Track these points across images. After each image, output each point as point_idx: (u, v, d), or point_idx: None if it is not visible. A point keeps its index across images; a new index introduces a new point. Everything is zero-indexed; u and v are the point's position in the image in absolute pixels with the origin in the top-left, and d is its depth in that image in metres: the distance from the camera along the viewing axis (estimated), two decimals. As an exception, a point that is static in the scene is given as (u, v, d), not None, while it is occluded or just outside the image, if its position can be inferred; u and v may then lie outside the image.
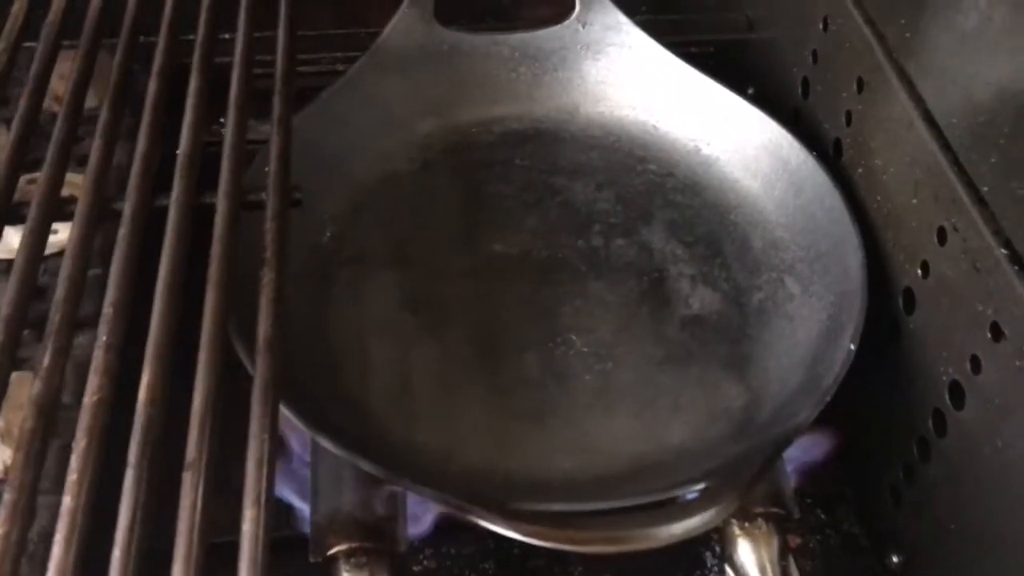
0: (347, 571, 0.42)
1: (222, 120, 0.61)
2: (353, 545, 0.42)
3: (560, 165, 0.58)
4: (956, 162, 0.44)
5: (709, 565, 0.52)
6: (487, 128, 0.59)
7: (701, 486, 0.39)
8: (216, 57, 0.51)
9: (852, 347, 0.45)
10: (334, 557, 0.43)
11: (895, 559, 0.51)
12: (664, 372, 0.49)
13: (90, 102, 0.49)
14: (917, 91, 0.47)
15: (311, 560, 0.43)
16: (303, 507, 0.46)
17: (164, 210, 0.43)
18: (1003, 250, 0.40)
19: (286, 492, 0.48)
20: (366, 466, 0.40)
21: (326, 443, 0.41)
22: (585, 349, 0.49)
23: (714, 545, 0.52)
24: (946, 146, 0.44)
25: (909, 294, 0.47)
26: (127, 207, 0.43)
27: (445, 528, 0.51)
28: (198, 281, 0.41)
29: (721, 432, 0.46)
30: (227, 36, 0.51)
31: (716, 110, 0.57)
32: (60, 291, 0.39)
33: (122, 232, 0.42)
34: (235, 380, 0.39)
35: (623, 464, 0.45)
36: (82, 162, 0.47)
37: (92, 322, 0.44)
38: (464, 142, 0.59)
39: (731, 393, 0.48)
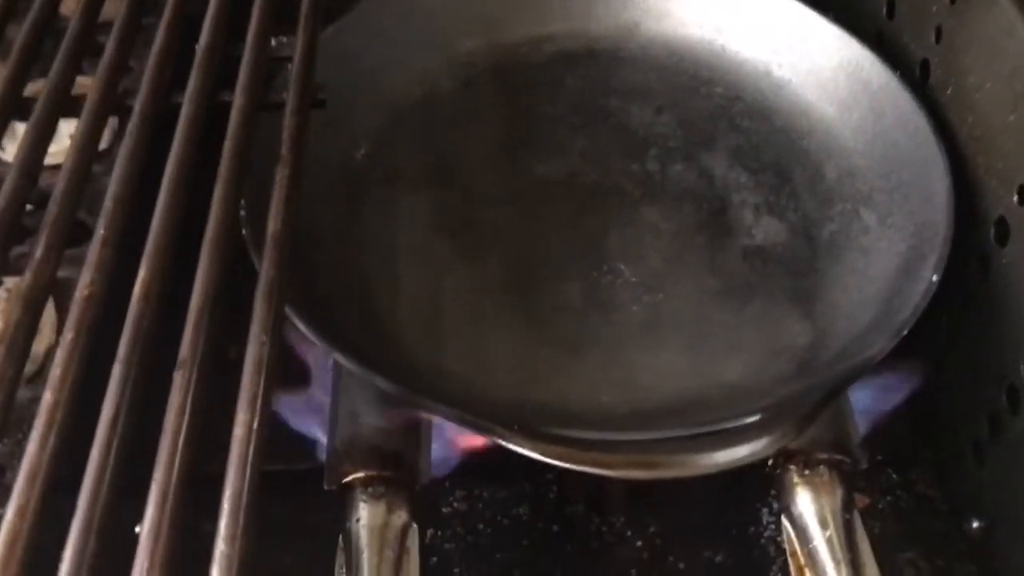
0: (364, 500, 0.39)
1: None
2: (370, 473, 0.39)
3: (615, 86, 0.53)
4: (1066, 69, 0.38)
5: (764, 522, 0.47)
6: (537, 47, 0.55)
7: (754, 418, 0.34)
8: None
9: (934, 278, 0.40)
10: (350, 485, 0.39)
11: (975, 524, 0.46)
12: (720, 306, 0.44)
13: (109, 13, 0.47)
14: (1021, -5, 0.41)
15: (326, 487, 0.40)
16: (324, 438, 0.43)
17: (179, 109, 0.40)
18: (1119, 167, 0.35)
19: (308, 424, 0.45)
20: (383, 383, 0.36)
21: (343, 360, 0.37)
22: (634, 279, 0.45)
23: (771, 500, 0.48)
24: (1054, 52, 0.39)
25: (1002, 224, 0.42)
26: (139, 101, 0.40)
27: (476, 469, 0.48)
28: (209, 183, 0.38)
29: (781, 370, 0.41)
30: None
31: (790, 28, 0.52)
32: (60, 185, 0.37)
33: (130, 126, 0.38)
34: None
35: (668, 399, 0.40)
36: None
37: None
38: (511, 62, 0.54)
39: (795, 330, 0.43)
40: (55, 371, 0.30)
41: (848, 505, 0.39)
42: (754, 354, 0.42)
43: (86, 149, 0.38)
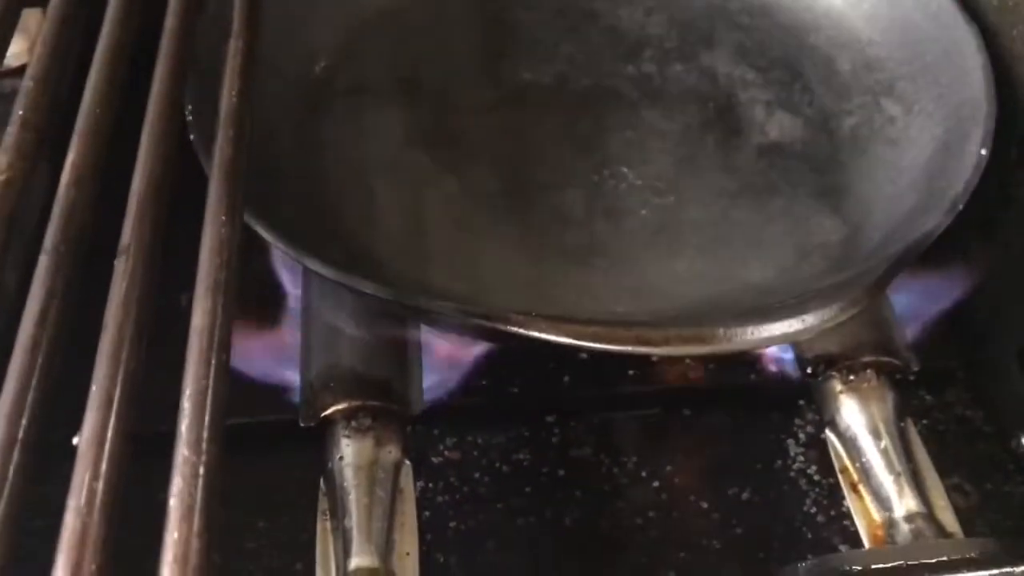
0: (347, 436, 0.33)
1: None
2: (354, 403, 0.33)
3: (600, -12, 0.48)
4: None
5: (792, 454, 0.42)
6: (510, -47, 0.50)
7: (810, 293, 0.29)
8: None
9: (983, 152, 0.35)
10: (330, 420, 0.33)
11: (1023, 440, 0.41)
12: (739, 206, 0.39)
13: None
14: None
15: (302, 423, 0.34)
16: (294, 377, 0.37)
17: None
18: None
19: (275, 370, 0.39)
20: (368, 287, 0.31)
21: (317, 266, 0.31)
22: (639, 182, 0.40)
23: (796, 431, 0.43)
24: None
25: (1049, 97, 0.38)
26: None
27: (467, 413, 0.42)
28: (149, 67, 0.32)
29: (816, 268, 0.37)
30: None
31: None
32: None
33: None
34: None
35: (691, 305, 0.35)
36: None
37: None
38: (483, -31, 0.49)
39: (824, 226, 0.38)
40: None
41: (901, 412, 0.35)
42: (782, 253, 0.37)
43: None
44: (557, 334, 0.27)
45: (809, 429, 0.44)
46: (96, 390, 0.22)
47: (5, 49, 0.31)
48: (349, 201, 0.39)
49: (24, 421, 0.22)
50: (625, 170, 0.40)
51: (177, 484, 0.21)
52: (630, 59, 0.45)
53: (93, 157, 0.27)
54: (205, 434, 0.21)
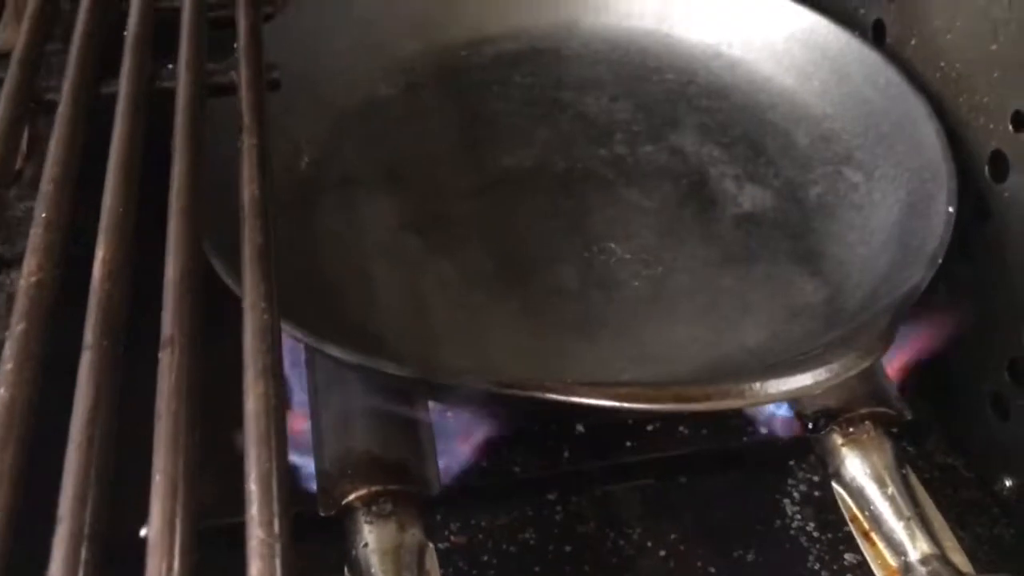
0: (369, 523, 0.33)
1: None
2: (373, 489, 0.33)
3: (565, 81, 0.51)
4: (1048, -15, 0.38)
5: (789, 513, 0.43)
6: (478, 50, 0.52)
7: (819, 347, 0.31)
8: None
9: (951, 209, 0.38)
10: (350, 507, 0.33)
11: (1006, 483, 0.43)
12: (724, 273, 0.41)
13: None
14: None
15: (321, 513, 0.34)
16: (306, 463, 0.37)
17: (112, 98, 0.35)
18: None
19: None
20: (400, 371, 0.31)
21: (336, 352, 0.32)
22: (627, 256, 0.41)
23: (791, 491, 0.44)
24: (1031, -28, 0.38)
25: (998, 158, 0.40)
26: (64, 93, 0.34)
27: (468, 496, 0.42)
28: (160, 175, 0.33)
29: (806, 328, 0.38)
30: None
31: (735, 7, 0.51)
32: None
33: (60, 111, 0.33)
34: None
35: (693, 369, 0.37)
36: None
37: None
38: (453, 66, 0.51)
39: (807, 288, 0.40)
40: (6, 367, 0.24)
41: (900, 460, 0.36)
42: (772, 316, 0.39)
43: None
44: (598, 398, 0.28)
45: (802, 488, 0.45)
46: (160, 479, 0.22)
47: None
48: (349, 290, 0.40)
49: (88, 516, 0.21)
50: (612, 245, 0.42)
51: (256, 567, 0.20)
52: (602, 142, 0.47)
53: (122, 248, 0.28)
54: (276, 515, 0.21)
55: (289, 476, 0.23)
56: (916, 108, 0.43)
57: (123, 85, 0.34)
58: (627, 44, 0.52)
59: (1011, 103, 0.40)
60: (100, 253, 0.28)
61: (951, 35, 0.43)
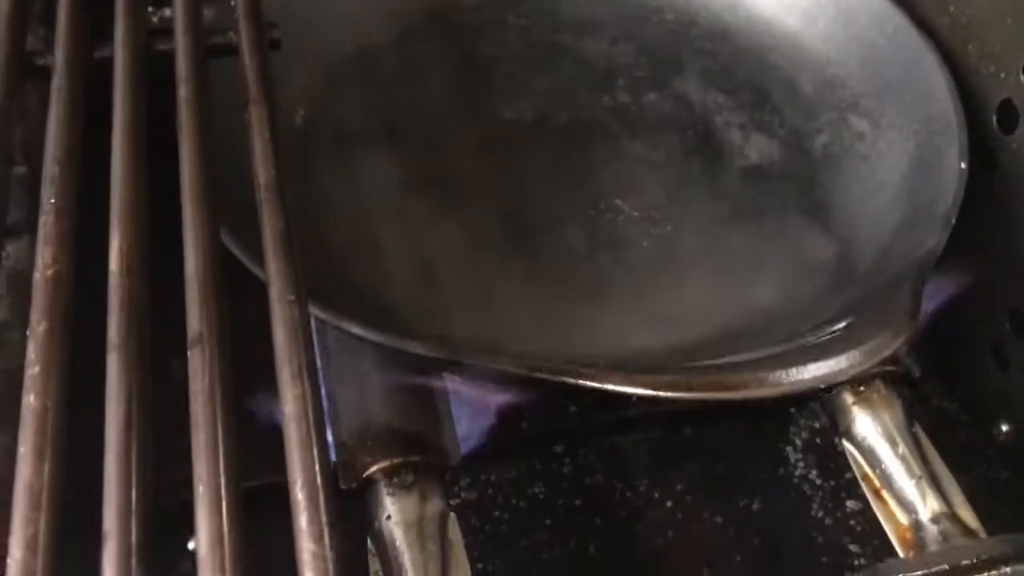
0: (391, 495, 0.33)
1: None
2: (395, 461, 0.33)
3: (562, 22, 0.49)
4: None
5: (792, 461, 0.44)
6: (470, -12, 0.50)
7: (840, 324, 0.31)
8: None
9: (963, 166, 0.37)
10: (372, 479, 0.33)
11: (1003, 428, 0.44)
12: (734, 229, 0.41)
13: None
14: None
15: (342, 487, 0.34)
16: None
17: (108, 62, 0.34)
18: None
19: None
20: (419, 349, 0.31)
21: (360, 331, 0.31)
22: (635, 214, 0.41)
23: (793, 438, 0.45)
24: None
25: (1007, 108, 0.40)
26: (58, 61, 0.33)
27: (476, 452, 0.43)
28: (164, 143, 0.32)
29: (818, 287, 0.38)
30: None
31: (735, -58, 0.50)
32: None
33: (56, 83, 0.32)
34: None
35: (705, 331, 0.37)
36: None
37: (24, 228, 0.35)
38: (446, 6, 0.50)
39: (817, 244, 0.40)
40: (33, 370, 0.24)
41: (910, 418, 0.37)
42: (784, 273, 0.39)
43: None
44: (633, 385, 0.28)
45: (804, 435, 0.46)
46: (204, 492, 0.22)
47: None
48: (358, 257, 0.39)
49: (134, 527, 0.21)
50: (619, 202, 0.41)
51: (309, 578, 0.20)
52: (605, 89, 0.46)
53: (137, 239, 0.27)
54: (325, 526, 0.21)
55: (331, 481, 0.23)
56: (925, 56, 0.42)
57: (118, 50, 0.33)
58: (626, -19, 0.51)
59: (1020, 57, 0.39)
60: (116, 243, 0.27)
61: (961, -20, 0.42)
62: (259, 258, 0.27)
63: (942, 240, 0.35)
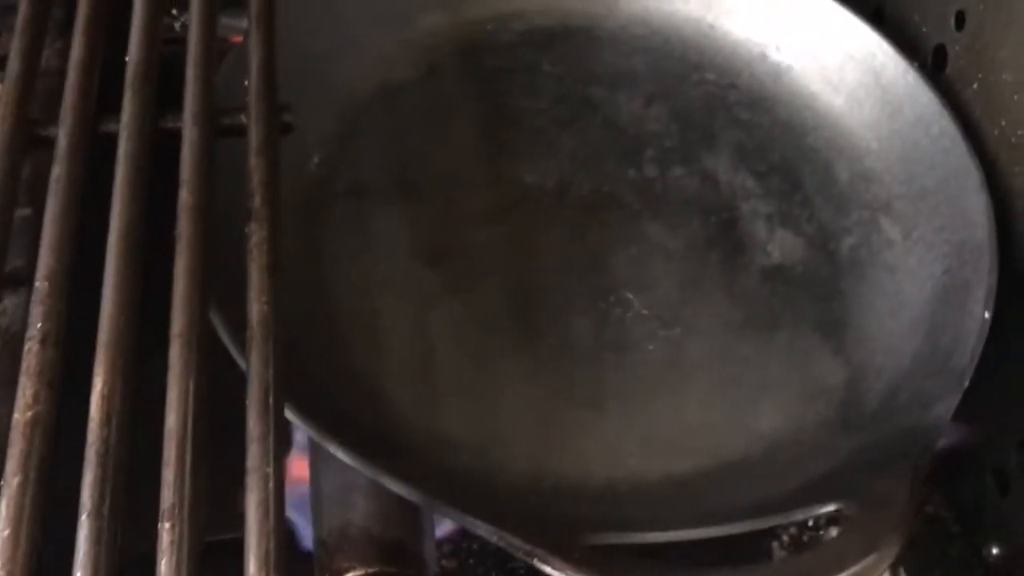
0: (364, 601, 0.33)
1: (175, 13, 0.50)
2: (370, 570, 0.33)
3: (597, 73, 0.47)
4: None
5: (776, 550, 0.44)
6: (505, 25, 0.48)
7: (830, 507, 0.30)
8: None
9: (987, 315, 0.36)
10: (348, 584, 0.34)
11: (994, 551, 0.43)
12: (744, 339, 0.39)
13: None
14: (1074, -11, 0.37)
15: (319, 586, 0.34)
16: (302, 522, 0.37)
17: (112, 138, 0.33)
18: None
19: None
20: (392, 485, 0.31)
21: (339, 452, 0.31)
22: (645, 311, 0.40)
23: (781, 534, 0.45)
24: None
25: (1046, 244, 0.39)
26: (62, 135, 0.32)
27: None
28: (162, 231, 0.31)
29: (822, 417, 0.37)
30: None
31: (787, 6, 0.47)
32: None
33: (56, 172, 0.31)
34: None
35: (702, 460, 0.36)
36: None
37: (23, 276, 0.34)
38: (478, 42, 0.47)
39: (828, 366, 0.39)
40: (3, 534, 0.24)
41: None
42: (788, 396, 0.38)
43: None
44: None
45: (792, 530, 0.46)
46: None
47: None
48: (356, 326, 0.38)
49: None
50: (631, 296, 0.40)
51: None
52: (631, 160, 0.44)
53: (123, 379, 0.26)
54: None
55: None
56: (968, 172, 0.40)
57: (124, 129, 0.32)
58: (668, 31, 0.48)
59: (1071, 195, 0.37)
60: (99, 386, 0.26)
61: (1018, 97, 0.40)
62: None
63: (952, 406, 0.34)
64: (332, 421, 0.33)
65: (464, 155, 0.44)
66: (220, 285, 0.30)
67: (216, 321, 0.31)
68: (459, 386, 0.37)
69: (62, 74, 0.33)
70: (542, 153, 0.44)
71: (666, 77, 0.47)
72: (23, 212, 0.35)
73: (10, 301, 0.35)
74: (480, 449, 0.35)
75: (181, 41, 0.35)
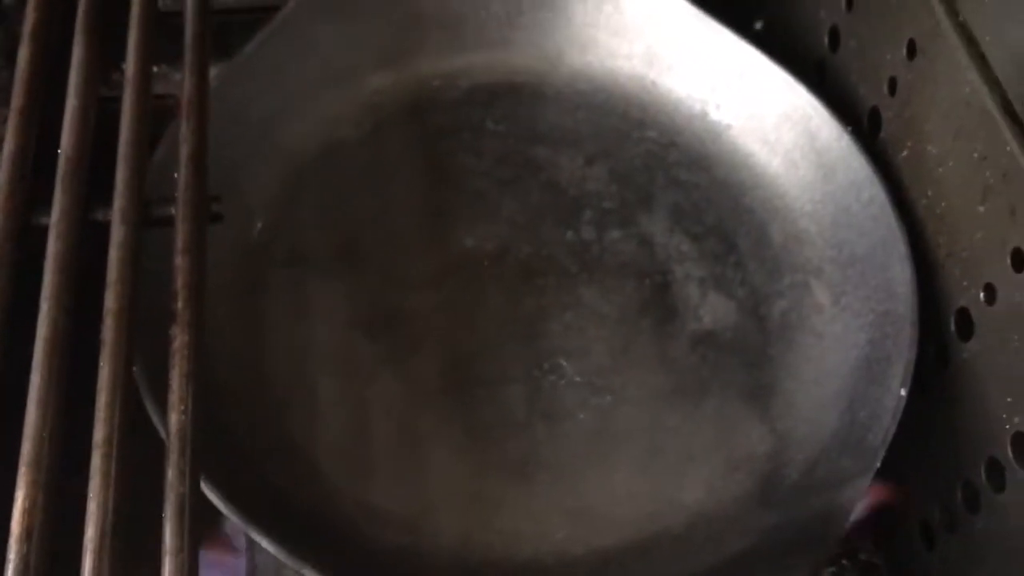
0: None
1: (123, 66, 0.51)
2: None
3: (541, 131, 0.48)
4: (1047, 174, 0.35)
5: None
6: (451, 81, 0.49)
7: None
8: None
9: (903, 392, 0.37)
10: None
11: (924, 602, 0.45)
12: (673, 408, 0.41)
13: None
14: (993, 72, 0.38)
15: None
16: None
17: (42, 231, 0.33)
18: (1109, 300, 0.33)
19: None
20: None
21: (267, 544, 0.32)
22: (578, 379, 0.41)
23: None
24: (1033, 150, 0.36)
25: (965, 317, 0.39)
26: (-7, 226, 0.33)
27: None
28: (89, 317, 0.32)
29: (743, 489, 0.39)
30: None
31: (727, 65, 0.48)
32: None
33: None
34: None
35: (627, 533, 0.37)
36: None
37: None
38: (423, 99, 0.48)
39: (752, 436, 0.40)
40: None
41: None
42: (712, 467, 0.39)
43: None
44: None
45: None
46: None
47: None
48: (292, 398, 0.39)
49: None
50: (564, 363, 0.41)
51: None
52: (570, 223, 0.45)
53: (46, 494, 0.27)
54: None
55: None
56: (893, 240, 0.41)
57: (54, 230, 0.33)
58: (611, 87, 0.49)
59: (984, 272, 0.38)
60: (20, 500, 0.27)
61: (943, 170, 0.41)
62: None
63: (862, 488, 0.35)
64: (263, 496, 0.34)
65: (405, 218, 0.45)
66: (149, 365, 0.31)
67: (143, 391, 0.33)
68: (392, 458, 0.38)
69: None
70: (483, 216, 0.45)
71: (608, 135, 0.48)
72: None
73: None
74: (409, 521, 0.37)
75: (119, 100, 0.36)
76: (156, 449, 0.29)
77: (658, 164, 0.47)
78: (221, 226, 0.41)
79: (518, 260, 0.44)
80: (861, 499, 0.35)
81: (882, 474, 0.44)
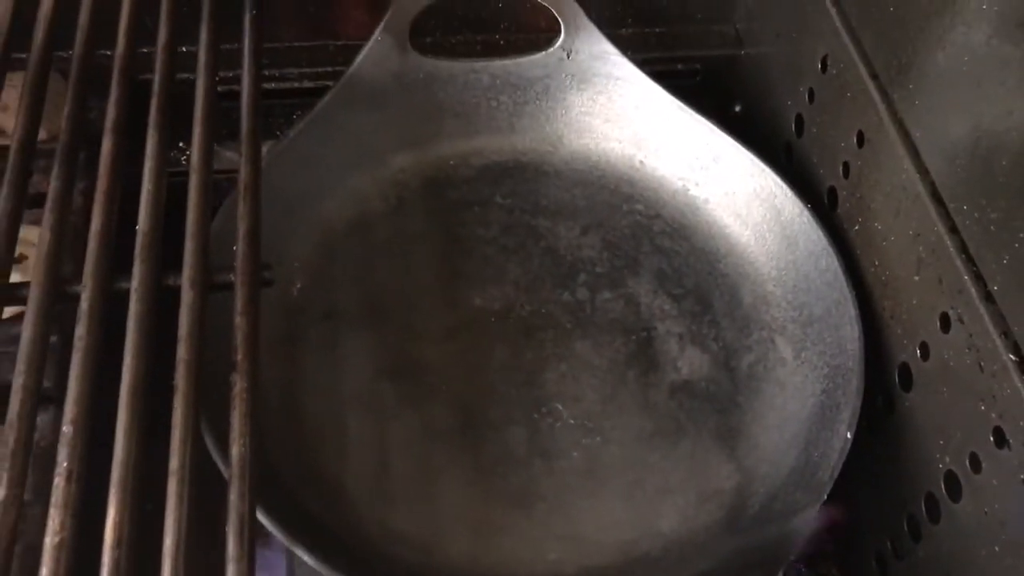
0: None
1: (182, 146, 0.58)
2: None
3: (543, 204, 0.55)
4: (964, 250, 0.42)
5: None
6: (465, 161, 0.56)
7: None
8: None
9: (848, 435, 0.43)
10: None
11: (882, 624, 0.50)
12: (653, 448, 0.47)
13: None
14: (923, 163, 0.45)
15: None
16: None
17: (124, 294, 0.40)
18: (1011, 356, 0.39)
19: None
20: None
21: (305, 556, 0.39)
22: (572, 421, 0.47)
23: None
24: (953, 229, 0.42)
25: (906, 371, 0.46)
26: (84, 298, 0.39)
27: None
28: (165, 371, 0.39)
29: (712, 518, 0.45)
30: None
31: (705, 149, 0.55)
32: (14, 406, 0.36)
33: (80, 331, 0.38)
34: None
35: (611, 555, 0.43)
36: (30, 203, 0.44)
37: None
38: (441, 177, 0.56)
39: (722, 472, 0.46)
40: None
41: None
42: (686, 499, 0.45)
43: (35, 355, 0.38)
44: None
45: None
46: None
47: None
48: (324, 435, 0.46)
49: None
50: (560, 407, 0.48)
51: None
52: (567, 284, 0.52)
53: (131, 510, 0.34)
54: None
55: None
56: (844, 304, 0.47)
57: (134, 295, 0.40)
58: (604, 167, 0.56)
59: (919, 332, 0.44)
60: (112, 513, 0.34)
61: (887, 244, 0.47)
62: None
63: (810, 518, 0.41)
64: (298, 521, 0.40)
65: (424, 280, 0.52)
66: (211, 410, 0.37)
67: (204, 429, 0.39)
68: (410, 488, 0.45)
69: (87, 214, 0.41)
70: (491, 278, 0.52)
71: (601, 208, 0.55)
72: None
73: (41, 418, 0.43)
74: (424, 544, 0.43)
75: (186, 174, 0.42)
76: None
77: (644, 233, 0.54)
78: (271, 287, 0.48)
79: (521, 317, 0.51)
80: (811, 526, 0.41)
81: (840, 504, 0.50)
